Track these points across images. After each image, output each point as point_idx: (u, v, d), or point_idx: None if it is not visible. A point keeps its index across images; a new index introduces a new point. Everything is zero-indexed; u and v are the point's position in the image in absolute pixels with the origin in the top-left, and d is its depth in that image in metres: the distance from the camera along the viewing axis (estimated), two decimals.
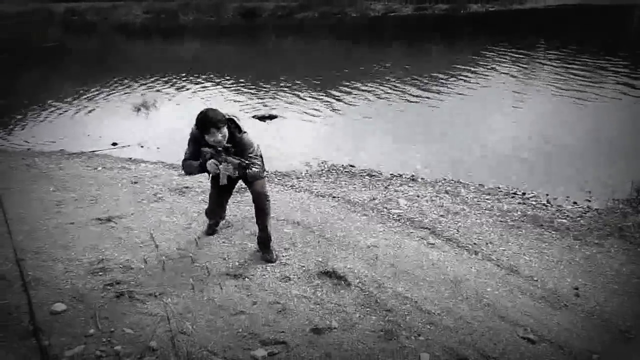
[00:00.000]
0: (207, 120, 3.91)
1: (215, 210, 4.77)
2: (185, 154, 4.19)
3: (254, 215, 4.43)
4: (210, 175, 4.22)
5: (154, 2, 35.45)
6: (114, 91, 13.85)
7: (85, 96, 13.22)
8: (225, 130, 3.97)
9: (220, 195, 4.60)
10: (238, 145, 4.09)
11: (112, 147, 8.81)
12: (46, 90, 13.52)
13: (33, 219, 5.13)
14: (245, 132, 4.14)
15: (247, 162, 4.02)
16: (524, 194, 6.29)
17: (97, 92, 13.67)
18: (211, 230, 4.90)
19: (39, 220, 5.11)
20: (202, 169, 4.11)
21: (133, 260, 4.34)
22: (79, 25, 33.02)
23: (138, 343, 3.25)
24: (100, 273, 4.12)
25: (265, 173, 4.47)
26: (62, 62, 19.09)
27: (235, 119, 4.14)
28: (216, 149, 4.02)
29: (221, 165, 4.02)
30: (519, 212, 5.62)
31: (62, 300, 3.67)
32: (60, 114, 11.67)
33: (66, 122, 10.98)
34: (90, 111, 11.79)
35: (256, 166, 4.13)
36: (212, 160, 4.04)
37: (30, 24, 31.99)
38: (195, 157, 4.12)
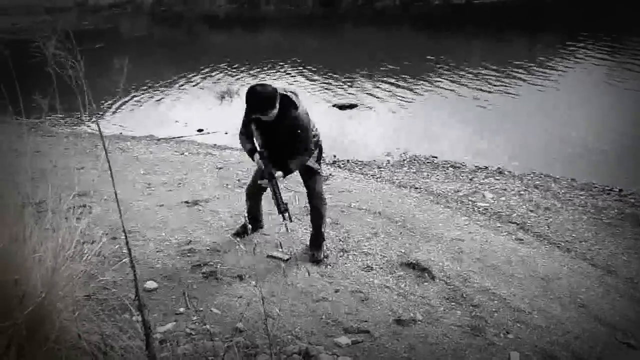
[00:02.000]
0: (253, 103, 3.66)
1: (254, 193, 4.40)
2: (242, 125, 4.01)
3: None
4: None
5: None
6: (199, 79, 14.29)
7: (171, 84, 13.73)
8: (273, 112, 3.67)
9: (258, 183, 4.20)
10: (294, 127, 3.76)
11: (198, 133, 9.10)
12: (136, 78, 14.14)
13: (126, 200, 5.38)
14: (302, 110, 3.81)
15: (284, 209, 3.79)
16: (620, 190, 5.92)
17: (183, 81, 14.16)
18: (242, 230, 4.56)
19: (131, 202, 5.35)
20: (250, 155, 3.97)
21: (219, 243, 4.45)
22: (166, 15, 34.31)
23: (225, 323, 3.33)
24: (189, 254, 4.26)
25: (325, 171, 4.25)
26: (150, 52, 19.92)
27: (292, 95, 3.82)
28: (267, 163, 3.82)
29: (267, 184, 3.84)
30: (615, 210, 5.29)
31: (154, 279, 3.83)
32: (149, 101, 12.20)
33: (154, 109, 11.47)
34: (177, 99, 12.24)
35: (300, 160, 3.89)
36: (260, 159, 3.87)
37: (121, 15, 33.58)
38: (248, 135, 3.96)
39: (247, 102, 3.70)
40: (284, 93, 3.79)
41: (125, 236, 2.27)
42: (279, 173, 3.84)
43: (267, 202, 4.48)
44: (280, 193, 3.83)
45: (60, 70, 2.20)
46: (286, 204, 3.85)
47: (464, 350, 3.17)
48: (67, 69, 2.15)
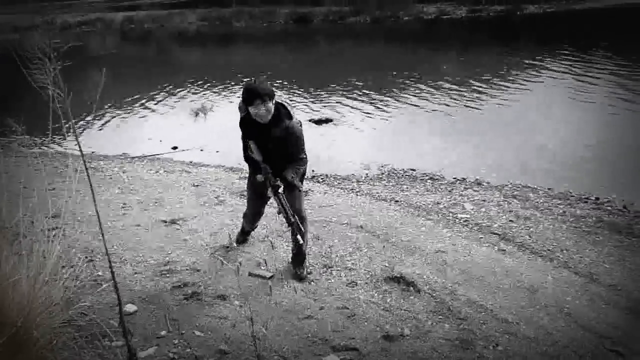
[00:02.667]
0: (252, 91, 3.61)
1: (255, 220, 4.49)
2: (243, 148, 3.97)
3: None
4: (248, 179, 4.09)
5: (209, 10, 36.20)
6: (171, 97, 14.13)
7: (143, 102, 13.55)
8: (270, 105, 3.63)
9: (260, 205, 4.31)
10: (287, 135, 3.75)
11: (173, 150, 8.97)
12: (106, 96, 13.92)
13: (101, 221, 5.22)
14: (296, 120, 3.83)
15: (295, 222, 3.78)
16: (597, 199, 5.99)
17: (155, 98, 13.99)
18: (242, 239, 4.67)
19: (107, 222, 5.20)
20: (255, 170, 3.91)
21: (199, 262, 4.34)
22: (136, 33, 34.07)
23: (209, 346, 3.23)
24: (168, 275, 4.14)
25: (304, 186, 4.22)
26: (120, 70, 19.68)
27: (287, 104, 3.85)
28: (269, 179, 3.78)
29: (274, 198, 3.80)
30: (593, 218, 5.34)
31: (133, 302, 3.69)
32: (121, 119, 12.00)
33: (126, 127, 11.29)
34: (149, 116, 12.08)
35: (297, 176, 3.89)
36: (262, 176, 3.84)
37: (90, 32, 33.22)
38: (248, 155, 3.92)
39: (246, 93, 3.64)
40: (279, 101, 3.80)
41: (109, 260, 2.18)
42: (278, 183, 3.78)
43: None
44: (287, 205, 3.77)
45: (40, 90, 2.11)
46: (294, 215, 3.78)
47: None
48: (47, 88, 2.06)
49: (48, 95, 2.08)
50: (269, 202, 4.27)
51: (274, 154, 3.82)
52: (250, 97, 3.61)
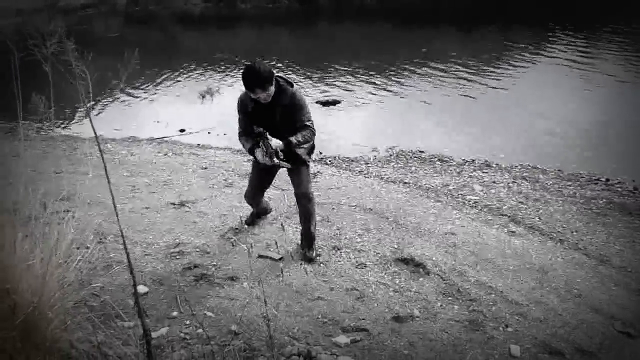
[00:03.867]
0: (252, 78, 3.54)
1: (255, 195, 4.37)
2: (239, 125, 3.95)
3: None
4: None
5: None
6: (177, 79, 14.08)
7: (150, 84, 13.50)
8: (271, 89, 3.61)
9: (260, 180, 4.24)
10: (290, 104, 3.73)
11: (180, 133, 8.95)
12: (111, 79, 13.91)
13: (111, 203, 5.24)
14: (296, 87, 3.80)
15: (282, 159, 3.72)
16: (607, 180, 5.95)
17: (161, 81, 13.94)
18: (251, 220, 4.68)
19: (115, 203, 5.21)
20: (251, 153, 3.88)
21: (209, 244, 4.36)
22: (140, 15, 33.86)
23: (220, 326, 3.25)
24: (178, 256, 4.16)
25: (313, 158, 4.15)
26: (125, 52, 19.62)
27: (284, 75, 3.85)
28: (261, 134, 3.69)
29: (257, 149, 3.74)
30: (604, 200, 5.31)
31: (144, 283, 3.72)
32: (128, 102, 11.98)
33: (134, 110, 11.25)
34: (156, 99, 12.04)
35: (302, 144, 3.82)
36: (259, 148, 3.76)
37: (94, 15, 33.04)
38: (247, 128, 3.84)
39: (245, 80, 3.59)
40: (277, 75, 3.75)
41: (124, 242, 2.20)
42: (278, 141, 3.71)
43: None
44: (270, 146, 3.67)
45: (62, 69, 2.11)
46: (275, 150, 3.68)
47: (463, 345, 3.14)
48: (69, 69, 2.05)
49: (66, 78, 2.07)
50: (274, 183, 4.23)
51: (281, 126, 3.76)
52: (250, 85, 3.58)
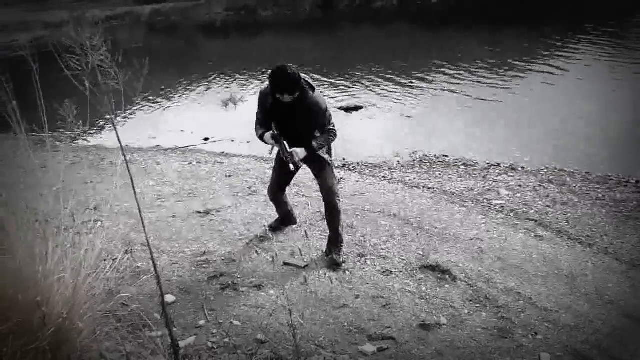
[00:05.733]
0: (280, 82, 3.56)
1: (276, 192, 4.37)
2: (256, 117, 3.97)
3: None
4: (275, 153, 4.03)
5: (234, 0, 36.24)
6: (201, 88, 14.24)
7: (174, 93, 13.69)
8: (297, 93, 3.63)
9: (279, 175, 4.23)
10: (312, 108, 3.73)
11: (204, 142, 9.04)
12: (136, 89, 14.10)
13: (137, 212, 5.31)
14: (318, 91, 3.80)
15: (288, 154, 3.72)
16: (637, 182, 5.82)
17: (185, 90, 14.12)
18: (275, 225, 4.69)
19: (142, 214, 5.28)
20: (261, 139, 3.90)
21: (234, 252, 4.38)
22: (164, 25, 34.36)
23: (247, 335, 3.26)
24: (205, 265, 4.19)
25: (334, 159, 4.13)
26: (150, 62, 19.91)
27: (307, 78, 3.83)
28: (278, 138, 3.76)
29: (287, 152, 3.76)
30: (634, 202, 5.20)
31: (172, 292, 3.76)
32: (153, 111, 12.15)
33: (159, 119, 11.41)
34: (180, 108, 12.20)
35: (324, 147, 3.86)
36: (270, 134, 3.80)
37: (119, 26, 33.63)
38: (264, 122, 3.88)
39: (274, 82, 3.59)
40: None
41: (150, 252, 2.22)
42: (299, 149, 3.76)
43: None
44: (286, 147, 3.73)
45: (92, 83, 2.16)
46: (291, 153, 3.73)
47: (492, 353, 3.09)
48: (100, 81, 2.10)
49: (88, 87, 2.12)
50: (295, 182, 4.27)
51: (301, 128, 3.78)
52: (279, 88, 3.59)
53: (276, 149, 3.94)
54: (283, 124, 3.82)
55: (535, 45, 14.80)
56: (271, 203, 4.62)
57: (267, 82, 3.72)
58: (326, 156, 3.97)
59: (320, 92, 4.12)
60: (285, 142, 3.79)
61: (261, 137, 3.91)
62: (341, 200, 4.16)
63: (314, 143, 3.78)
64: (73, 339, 2.42)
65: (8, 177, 3.36)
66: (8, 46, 22.96)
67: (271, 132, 3.84)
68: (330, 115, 3.87)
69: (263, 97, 3.88)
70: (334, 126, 3.90)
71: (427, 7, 27.40)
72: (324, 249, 4.28)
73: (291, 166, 3.76)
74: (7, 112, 2.92)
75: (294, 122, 3.79)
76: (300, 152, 3.78)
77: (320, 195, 4.17)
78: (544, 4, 24.47)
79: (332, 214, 4.11)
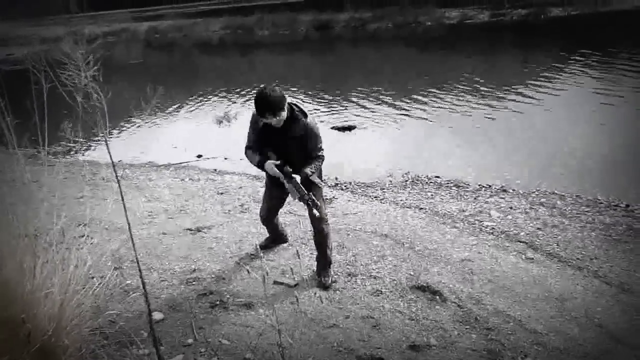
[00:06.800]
0: (262, 103, 3.59)
1: (268, 214, 4.38)
2: (248, 139, 3.96)
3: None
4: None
5: (231, 18, 36.58)
6: (195, 105, 14.31)
7: (168, 110, 13.73)
8: (283, 114, 3.64)
9: (272, 199, 4.27)
10: (306, 133, 3.75)
11: (197, 159, 9.05)
12: (130, 104, 14.15)
13: (128, 229, 5.29)
14: (311, 117, 3.82)
15: (309, 198, 3.69)
16: (627, 205, 5.85)
17: (179, 107, 14.18)
18: (265, 243, 4.67)
19: (133, 230, 5.25)
20: (260, 167, 3.89)
21: (224, 271, 4.37)
22: (161, 42, 34.58)
23: (236, 354, 3.24)
24: (194, 283, 4.17)
25: (324, 180, 4.15)
26: (145, 78, 19.98)
27: (299, 104, 3.87)
28: (281, 167, 3.75)
29: (287, 185, 3.77)
30: (623, 226, 5.23)
31: (160, 309, 3.73)
32: (147, 127, 12.18)
33: (152, 135, 11.45)
34: (174, 124, 12.25)
35: (316, 172, 3.88)
36: (271, 162, 3.79)
37: (116, 43, 33.81)
38: (257, 145, 3.88)
39: (257, 105, 3.63)
40: (292, 102, 3.81)
41: (139, 269, 2.21)
42: (296, 177, 3.77)
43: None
44: (301, 187, 3.72)
45: (84, 101, 2.18)
46: (309, 193, 3.72)
47: None
48: (92, 99, 2.13)
49: (80, 102, 2.14)
50: (287, 202, 4.27)
51: (292, 155, 3.81)
52: (261, 110, 3.63)
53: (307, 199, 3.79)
54: (276, 149, 3.85)
55: (529, 69, 14.99)
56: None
57: None
58: (317, 180, 3.99)
59: (314, 114, 4.15)
60: (297, 181, 3.73)
61: (260, 164, 3.89)
62: (329, 223, 4.13)
63: (308, 170, 3.80)
64: (58, 355, 2.40)
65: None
66: (4, 60, 23.02)
67: (273, 161, 3.81)
68: (321, 141, 3.90)
69: (255, 119, 3.90)
70: (323, 151, 3.92)
71: (421, 31, 27.74)
72: (315, 268, 4.27)
73: (307, 199, 3.71)
74: (1, 126, 2.93)
75: (287, 148, 3.82)
76: (297, 179, 3.78)
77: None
78: (538, 31, 24.86)
79: (321, 238, 4.10)
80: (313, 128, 3.80)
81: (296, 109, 3.79)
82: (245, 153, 4.00)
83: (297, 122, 3.76)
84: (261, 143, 3.88)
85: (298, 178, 3.75)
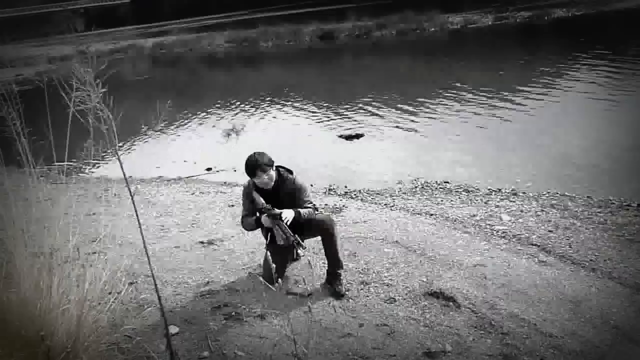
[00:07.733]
0: (253, 163, 3.95)
1: (282, 270, 4.33)
2: (243, 210, 4.27)
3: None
4: (267, 235, 4.14)
5: (236, 32, 36.82)
6: (203, 118, 14.41)
7: (177, 124, 13.83)
8: (272, 172, 3.98)
9: (283, 258, 4.27)
10: (295, 188, 4.09)
11: (207, 172, 9.11)
12: (139, 119, 14.28)
13: (141, 244, 5.33)
14: (296, 174, 4.17)
15: (294, 239, 3.87)
16: (638, 205, 5.82)
17: (187, 120, 14.28)
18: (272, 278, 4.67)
19: (146, 245, 5.30)
20: (258, 224, 4.11)
21: (238, 282, 4.39)
22: (166, 57, 34.86)
23: None
24: (208, 295, 4.19)
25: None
26: (153, 93, 20.13)
27: (284, 165, 4.21)
28: (268, 210, 3.94)
29: (275, 228, 3.97)
30: (637, 226, 5.20)
31: (175, 323, 3.75)
32: (156, 142, 12.27)
33: (162, 150, 11.53)
34: (183, 138, 12.33)
35: (307, 215, 4.06)
36: (265, 215, 3.98)
37: (123, 59, 34.11)
38: (252, 213, 4.14)
39: (247, 167, 3.99)
40: (278, 165, 4.14)
41: (155, 283, 2.23)
42: (289, 211, 3.95)
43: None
44: (286, 228, 3.90)
45: (92, 120, 2.22)
46: (294, 235, 3.89)
47: None
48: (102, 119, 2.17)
49: (91, 121, 2.18)
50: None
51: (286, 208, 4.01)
52: (252, 169, 3.96)
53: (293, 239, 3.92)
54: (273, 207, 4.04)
55: (536, 72, 14.93)
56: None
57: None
58: (304, 212, 4.10)
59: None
60: (284, 223, 3.91)
61: (257, 222, 4.09)
62: (337, 231, 4.15)
63: (300, 210, 4.01)
64: None
65: (14, 209, 3.39)
66: (14, 80, 23.27)
67: (264, 211, 4.00)
68: (310, 194, 4.22)
69: (247, 190, 4.17)
70: (312, 203, 4.18)
71: (424, 37, 27.80)
72: (326, 277, 4.28)
73: (292, 240, 3.88)
74: (16, 146, 2.98)
75: (282, 205, 4.01)
76: (289, 214, 3.94)
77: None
78: (542, 32, 24.83)
79: (330, 239, 4.10)
80: (301, 183, 4.15)
81: (282, 169, 4.14)
82: (241, 221, 4.31)
83: (286, 181, 4.10)
84: (257, 210, 4.11)
85: (289, 212, 3.94)
